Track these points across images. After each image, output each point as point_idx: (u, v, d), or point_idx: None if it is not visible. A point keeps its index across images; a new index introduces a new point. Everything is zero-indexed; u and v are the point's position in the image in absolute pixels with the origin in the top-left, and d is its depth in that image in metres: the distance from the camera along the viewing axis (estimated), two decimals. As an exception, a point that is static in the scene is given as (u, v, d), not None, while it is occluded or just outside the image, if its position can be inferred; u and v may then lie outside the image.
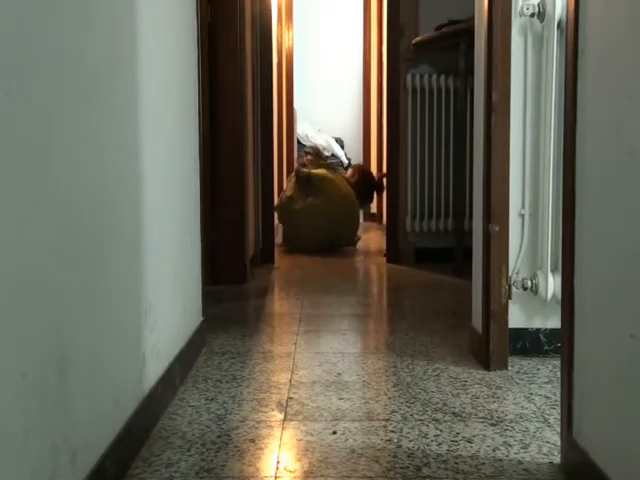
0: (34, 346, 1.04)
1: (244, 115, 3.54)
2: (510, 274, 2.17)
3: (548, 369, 2.12)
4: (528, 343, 2.24)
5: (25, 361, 1.01)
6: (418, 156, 4.19)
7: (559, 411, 1.59)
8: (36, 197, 1.04)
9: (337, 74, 8.19)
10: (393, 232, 4.31)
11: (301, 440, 1.62)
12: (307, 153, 5.57)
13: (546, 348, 2.24)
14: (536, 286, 2.18)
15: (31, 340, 1.03)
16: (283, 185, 6.72)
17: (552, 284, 2.15)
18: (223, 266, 3.51)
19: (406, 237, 4.27)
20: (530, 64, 2.18)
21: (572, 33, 1.40)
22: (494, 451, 1.55)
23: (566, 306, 1.46)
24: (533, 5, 2.14)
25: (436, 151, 4.18)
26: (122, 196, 1.49)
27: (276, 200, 4.93)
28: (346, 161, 8.09)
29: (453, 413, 1.78)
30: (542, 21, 2.15)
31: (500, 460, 1.51)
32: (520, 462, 1.50)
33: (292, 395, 1.92)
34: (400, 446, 1.58)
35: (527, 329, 2.24)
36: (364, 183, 5.61)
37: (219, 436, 1.64)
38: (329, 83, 8.19)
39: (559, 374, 1.74)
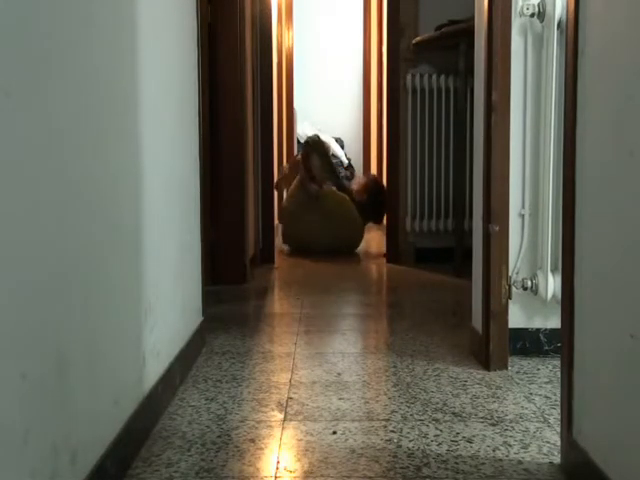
0: (34, 346, 1.04)
1: (244, 115, 3.54)
2: (510, 274, 2.17)
3: (548, 369, 2.12)
4: (528, 343, 2.24)
5: (25, 361, 1.01)
6: (418, 156, 4.18)
7: (559, 411, 1.59)
8: (36, 197, 1.04)
9: (337, 74, 8.19)
10: (393, 232, 4.31)
11: (301, 440, 1.62)
12: (304, 159, 5.09)
13: (546, 348, 2.24)
14: (536, 286, 2.18)
15: (31, 340, 1.03)
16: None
17: (552, 284, 2.15)
18: (223, 266, 3.51)
19: (406, 237, 4.27)
20: (530, 64, 2.18)
21: (572, 33, 1.40)
22: (494, 451, 1.55)
23: (566, 306, 1.46)
24: (533, 5, 2.14)
25: (436, 151, 4.18)
26: (122, 196, 1.49)
27: (275, 199, 4.92)
28: (346, 161, 8.10)
29: (453, 413, 1.78)
30: (542, 21, 2.15)
31: (500, 460, 1.51)
32: (520, 462, 1.50)
33: (292, 395, 1.92)
34: (400, 446, 1.58)
35: (527, 329, 2.24)
36: (375, 199, 5.04)
37: (219, 436, 1.64)
38: (329, 83, 8.19)
39: (559, 374, 1.74)
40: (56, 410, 1.12)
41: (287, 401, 1.88)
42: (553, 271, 2.16)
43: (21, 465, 1.00)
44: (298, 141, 7.55)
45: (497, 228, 2.11)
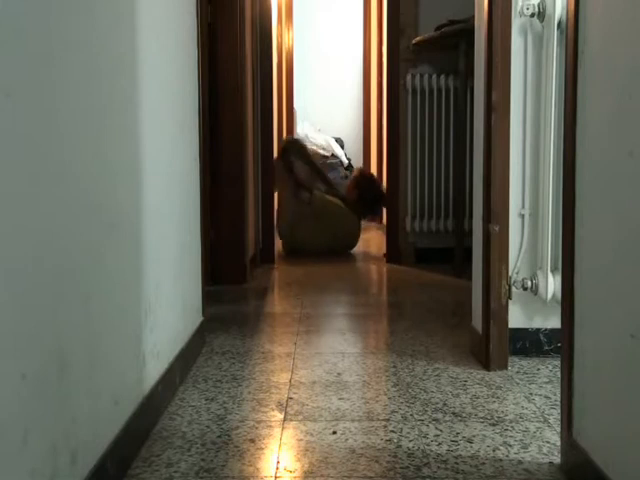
0: (34, 346, 1.04)
1: (244, 115, 3.54)
2: (510, 274, 2.17)
3: (548, 369, 2.12)
4: (528, 343, 2.24)
5: (25, 361, 1.01)
6: (418, 156, 4.18)
7: (559, 411, 1.59)
8: (36, 197, 1.04)
9: (337, 74, 8.18)
10: (393, 232, 4.31)
11: (301, 440, 1.62)
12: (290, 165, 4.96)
13: (546, 348, 2.24)
14: (536, 286, 2.18)
15: (31, 340, 1.03)
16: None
17: (552, 284, 2.15)
18: (223, 266, 3.51)
19: (406, 237, 4.27)
20: (530, 64, 2.18)
21: (572, 33, 1.40)
22: (494, 451, 1.55)
23: (566, 306, 1.46)
24: (533, 5, 2.14)
25: (436, 151, 4.18)
26: (122, 196, 1.49)
27: (275, 199, 4.91)
28: (346, 161, 8.10)
29: (453, 413, 1.78)
30: (542, 21, 2.15)
31: (500, 460, 1.51)
32: (520, 462, 1.50)
33: (292, 395, 1.92)
34: (400, 446, 1.58)
35: (527, 329, 2.24)
36: (367, 195, 5.01)
37: (219, 436, 1.64)
38: (329, 83, 8.19)
39: (559, 374, 1.74)
40: (56, 410, 1.12)
41: (287, 401, 1.88)
42: (553, 271, 2.16)
43: (21, 465, 1.00)
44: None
45: (497, 228, 2.11)
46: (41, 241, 1.06)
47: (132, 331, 1.57)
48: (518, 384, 2.00)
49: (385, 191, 4.85)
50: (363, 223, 5.29)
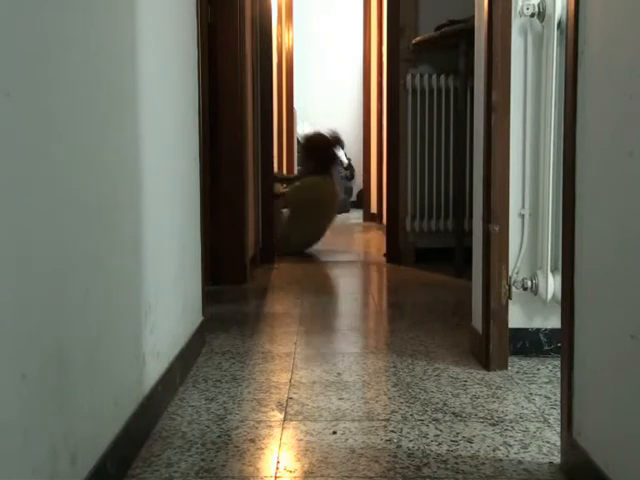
0: (34, 346, 1.04)
1: (244, 115, 3.54)
2: (510, 274, 2.17)
3: (548, 369, 2.12)
4: (528, 343, 2.24)
5: (25, 361, 1.01)
6: (418, 156, 4.19)
7: (559, 411, 1.59)
8: (36, 197, 1.04)
9: (337, 74, 8.19)
10: (393, 232, 4.31)
11: (301, 440, 1.62)
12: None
13: (546, 348, 2.24)
14: (536, 286, 2.18)
15: (31, 340, 1.03)
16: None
17: (552, 284, 2.15)
18: (223, 266, 3.51)
19: (406, 237, 4.27)
20: (530, 64, 2.18)
21: (572, 33, 1.40)
22: (494, 451, 1.55)
23: (566, 306, 1.46)
24: (533, 5, 2.14)
25: (436, 151, 4.18)
26: (122, 196, 1.49)
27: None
28: (346, 161, 8.10)
29: (453, 413, 1.78)
30: (542, 21, 2.15)
31: (500, 460, 1.51)
32: (520, 462, 1.50)
33: (292, 395, 1.92)
34: (400, 446, 1.58)
35: (527, 329, 2.24)
36: (320, 159, 5.04)
37: (219, 436, 1.64)
38: (329, 83, 8.20)
39: (559, 374, 1.74)
40: (56, 410, 1.12)
41: (287, 401, 1.88)
42: (553, 271, 2.16)
43: (21, 465, 1.00)
44: (298, 141, 7.55)
45: (497, 228, 2.11)
46: (41, 241, 1.06)
47: (132, 331, 1.57)
48: (518, 384, 2.00)
49: (335, 142, 4.97)
50: (363, 223, 5.28)
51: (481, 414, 1.77)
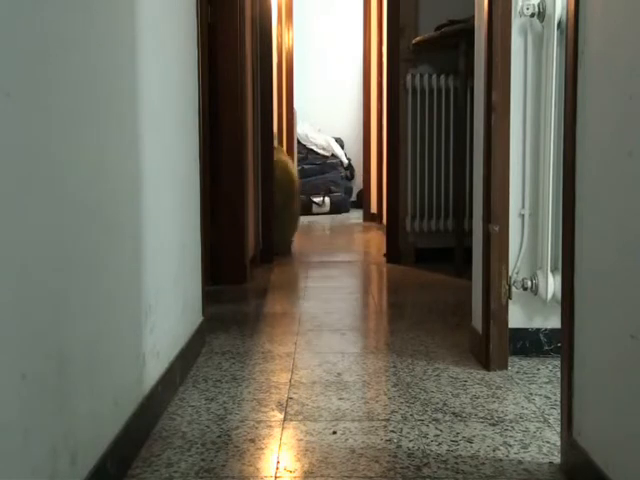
0: (34, 346, 1.04)
1: (244, 115, 3.54)
2: (510, 274, 2.17)
3: (548, 369, 2.12)
4: (528, 343, 2.24)
5: (25, 361, 1.01)
6: (418, 156, 4.18)
7: (559, 411, 1.59)
8: (36, 197, 1.04)
9: (337, 74, 8.19)
10: (393, 232, 4.30)
11: (301, 440, 1.62)
12: None
13: (546, 348, 2.24)
14: (536, 286, 2.18)
15: (31, 340, 1.03)
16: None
17: (552, 284, 2.15)
18: (223, 266, 3.51)
19: (406, 237, 4.27)
20: (530, 64, 2.18)
21: (572, 33, 1.40)
22: (494, 451, 1.55)
23: (566, 306, 1.46)
24: (533, 5, 2.14)
25: (436, 151, 4.18)
26: (122, 196, 1.49)
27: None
28: (346, 161, 8.10)
29: (453, 413, 1.78)
30: (542, 21, 2.15)
31: (500, 460, 1.51)
32: (520, 462, 1.50)
33: (292, 395, 1.92)
34: (400, 446, 1.58)
35: (527, 329, 2.24)
36: None
37: (219, 436, 1.64)
38: (329, 83, 8.19)
39: (559, 374, 1.74)
40: (56, 410, 1.12)
41: (287, 401, 1.88)
42: (553, 271, 2.16)
43: (21, 465, 1.00)
44: (298, 141, 7.55)
45: (497, 228, 2.11)
46: (41, 241, 1.06)
47: (132, 331, 1.57)
48: (518, 384, 2.00)
49: None
50: (363, 223, 5.26)
51: (481, 414, 1.77)
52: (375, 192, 6.49)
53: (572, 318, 1.43)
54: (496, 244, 2.12)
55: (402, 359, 2.26)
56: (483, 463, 1.49)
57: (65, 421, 1.15)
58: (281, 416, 1.77)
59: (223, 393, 1.94)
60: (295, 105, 7.07)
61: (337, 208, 7.70)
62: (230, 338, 2.53)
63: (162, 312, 1.83)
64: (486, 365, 2.14)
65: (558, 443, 1.57)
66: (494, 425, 1.70)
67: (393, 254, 4.29)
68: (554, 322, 2.19)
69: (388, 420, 1.74)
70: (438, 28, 3.92)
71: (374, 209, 6.60)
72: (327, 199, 7.70)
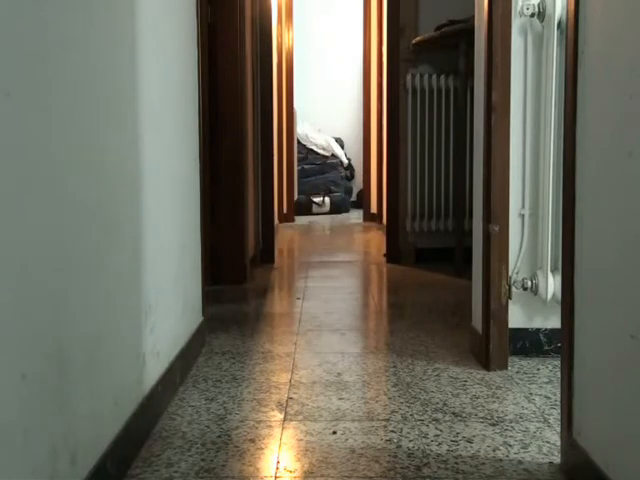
0: (34, 346, 1.04)
1: (244, 115, 3.54)
2: (510, 274, 2.17)
3: (548, 369, 2.12)
4: (528, 343, 2.24)
5: (25, 361, 1.01)
6: (418, 156, 4.18)
7: (559, 411, 1.59)
8: (36, 197, 1.04)
9: (337, 74, 8.18)
10: (393, 232, 4.30)
11: (301, 440, 1.62)
12: None
13: (546, 348, 2.24)
14: (536, 286, 2.18)
15: (31, 340, 1.03)
16: (283, 185, 6.72)
17: (552, 284, 2.15)
18: (223, 266, 3.51)
19: (406, 237, 4.26)
20: (530, 64, 2.18)
21: (572, 33, 1.40)
22: (494, 451, 1.55)
23: (566, 306, 1.46)
24: (533, 5, 2.14)
25: (436, 151, 4.18)
26: (122, 196, 1.49)
27: (275, 199, 4.91)
28: (346, 161, 8.10)
29: (453, 413, 1.78)
30: (542, 21, 2.15)
31: (500, 460, 1.51)
32: (520, 462, 1.50)
33: (292, 395, 1.92)
34: (400, 446, 1.58)
35: (527, 329, 2.24)
36: None
37: (219, 436, 1.64)
38: (329, 83, 8.19)
39: (559, 374, 1.74)
40: (56, 410, 1.12)
41: (287, 401, 1.88)
42: (553, 271, 2.16)
43: (21, 465, 1.00)
44: (298, 141, 7.55)
45: (497, 228, 2.11)
46: (41, 241, 1.06)
47: (132, 331, 1.57)
48: (518, 384, 2.00)
49: None
50: (363, 223, 5.26)
51: (481, 414, 1.77)
52: (375, 192, 6.49)
53: (572, 318, 1.43)
54: (496, 244, 2.12)
55: (402, 359, 2.26)
56: (483, 463, 1.49)
57: (65, 421, 1.15)
58: (281, 416, 1.77)
59: (223, 393, 1.94)
60: (295, 105, 7.06)
61: (337, 208, 7.70)
62: (230, 338, 2.53)
63: (162, 312, 1.83)
64: (486, 365, 2.14)
65: (558, 443, 1.57)
66: (494, 425, 1.70)
67: (393, 254, 4.29)
68: (554, 322, 2.19)
69: (388, 420, 1.74)
70: (438, 28, 3.92)
71: (374, 209, 6.60)
72: (327, 199, 7.70)
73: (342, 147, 8.12)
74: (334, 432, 1.66)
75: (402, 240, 4.27)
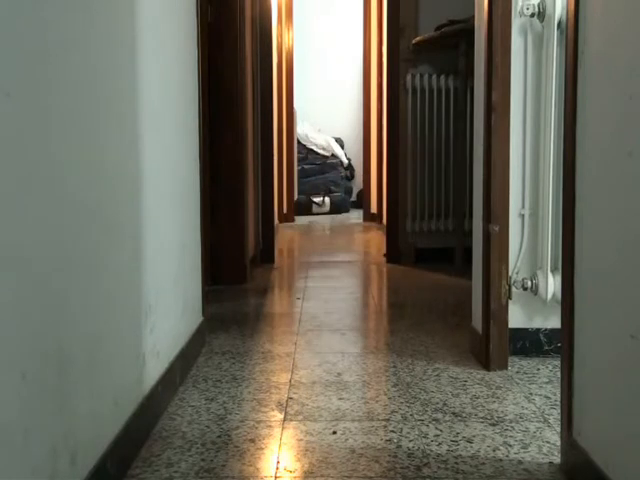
0: (34, 346, 1.04)
1: (244, 115, 3.54)
2: (510, 274, 2.17)
3: (548, 369, 2.12)
4: (528, 343, 2.24)
5: (25, 361, 1.01)
6: (418, 156, 4.18)
7: (559, 411, 1.59)
8: (36, 197, 1.04)
9: (337, 74, 8.18)
10: (393, 232, 4.30)
11: (301, 440, 1.62)
12: None
13: (546, 348, 2.24)
14: (536, 286, 2.18)
15: (31, 340, 1.03)
16: (283, 185, 6.72)
17: (552, 284, 2.15)
18: (223, 266, 3.51)
19: (406, 237, 4.26)
20: (530, 64, 2.18)
21: (572, 33, 1.40)
22: (494, 451, 1.55)
23: (566, 306, 1.46)
24: (533, 5, 2.14)
25: (436, 151, 4.18)
26: (122, 196, 1.49)
27: (275, 199, 4.91)
28: (346, 161, 8.10)
29: (453, 413, 1.78)
30: (542, 21, 2.15)
31: (500, 460, 1.51)
32: (520, 462, 1.50)
33: (292, 395, 1.92)
34: (400, 446, 1.58)
35: (527, 329, 2.24)
36: None
37: (219, 436, 1.64)
38: (329, 83, 8.19)
39: (559, 374, 1.74)
40: (56, 410, 1.12)
41: (287, 401, 1.88)
42: (553, 271, 2.16)
43: (21, 465, 1.00)
44: (298, 141, 7.55)
45: (497, 228, 2.11)
46: (41, 241, 1.06)
47: (132, 331, 1.57)
48: (518, 384, 2.00)
49: None
50: (363, 223, 5.25)
51: (481, 414, 1.77)
52: (375, 192, 6.48)
53: (572, 318, 1.43)
54: (496, 244, 2.12)
55: (402, 359, 2.26)
56: (483, 463, 1.49)
57: (65, 421, 1.15)
58: (281, 416, 1.77)
59: (223, 393, 1.94)
60: (295, 105, 7.07)
61: (337, 208, 7.70)
62: (230, 338, 2.53)
63: (162, 312, 1.83)
64: (486, 365, 2.14)
65: (558, 443, 1.57)
66: (494, 425, 1.70)
67: (393, 254, 4.29)
68: (554, 322, 2.19)
69: (388, 420, 1.74)
70: (438, 28, 3.92)
71: (374, 209, 6.60)
72: (327, 199, 7.70)
73: (342, 147, 8.12)
74: (334, 432, 1.66)
75: (402, 240, 4.27)
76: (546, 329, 2.23)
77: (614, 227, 1.23)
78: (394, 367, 2.19)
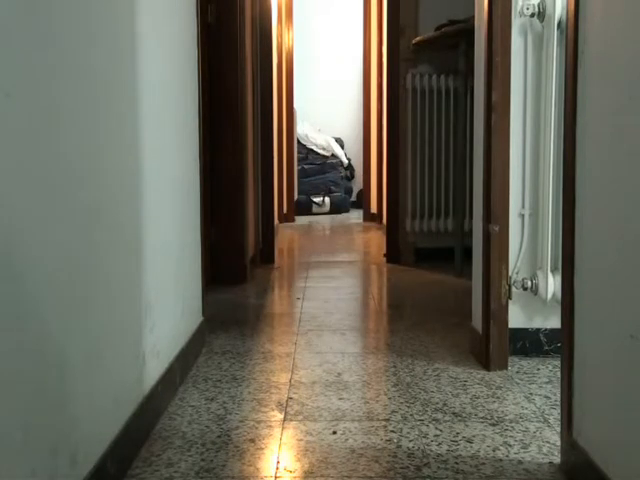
0: (34, 346, 1.04)
1: (244, 115, 3.54)
2: (510, 274, 2.17)
3: (548, 369, 2.12)
4: (528, 343, 2.24)
5: (25, 361, 1.01)
6: (418, 156, 4.18)
7: (559, 411, 1.59)
8: (36, 198, 1.04)
9: (337, 74, 8.18)
10: (393, 232, 4.30)
11: (301, 440, 1.62)
12: None
13: (546, 348, 2.24)
14: (536, 286, 2.18)
15: (31, 340, 1.03)
16: (283, 185, 6.72)
17: (552, 284, 2.15)
18: (223, 266, 3.51)
19: (406, 237, 4.26)
20: (530, 64, 2.18)
21: (572, 33, 1.40)
22: (494, 451, 1.55)
23: (566, 306, 1.46)
24: (533, 5, 2.14)
25: (436, 151, 4.18)
26: (122, 196, 1.49)
27: (275, 199, 4.91)
28: (346, 161, 8.10)
29: (453, 413, 1.78)
30: (542, 21, 2.15)
31: (500, 460, 1.51)
32: (520, 462, 1.50)
33: (292, 395, 1.92)
34: (400, 446, 1.58)
35: (527, 329, 2.24)
36: None
37: (219, 436, 1.64)
38: (329, 83, 8.19)
39: (559, 374, 1.74)
40: (56, 410, 1.12)
41: (287, 401, 1.88)
42: (553, 271, 2.16)
43: (21, 465, 1.00)
44: (298, 141, 7.55)
45: (497, 228, 2.11)
46: (41, 241, 1.06)
47: (132, 331, 1.57)
48: (518, 384, 2.00)
49: None
50: (363, 223, 5.26)
51: (481, 414, 1.77)
52: (375, 192, 6.48)
53: (572, 318, 1.43)
54: (496, 244, 2.12)
55: (402, 359, 2.26)
56: (483, 463, 1.49)
57: (65, 421, 1.15)
58: (281, 416, 1.77)
59: (223, 393, 1.94)
60: (295, 105, 7.06)
61: (337, 208, 7.70)
62: (230, 338, 2.53)
63: (162, 312, 1.83)
64: (486, 365, 2.14)
65: (558, 443, 1.57)
66: (494, 425, 1.70)
67: (393, 254, 4.29)
68: (554, 322, 2.19)
69: (388, 420, 1.74)
70: (438, 28, 3.92)
71: (374, 209, 6.60)
72: (327, 199, 7.70)
73: (342, 147, 8.12)
74: (334, 432, 1.66)
75: (402, 240, 4.27)
76: (546, 329, 2.23)
77: (614, 227, 1.23)
78: (394, 367, 2.19)
